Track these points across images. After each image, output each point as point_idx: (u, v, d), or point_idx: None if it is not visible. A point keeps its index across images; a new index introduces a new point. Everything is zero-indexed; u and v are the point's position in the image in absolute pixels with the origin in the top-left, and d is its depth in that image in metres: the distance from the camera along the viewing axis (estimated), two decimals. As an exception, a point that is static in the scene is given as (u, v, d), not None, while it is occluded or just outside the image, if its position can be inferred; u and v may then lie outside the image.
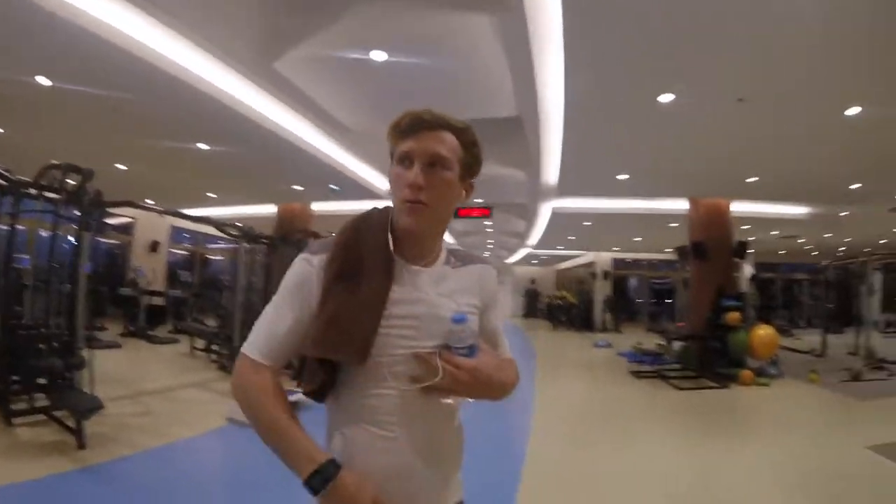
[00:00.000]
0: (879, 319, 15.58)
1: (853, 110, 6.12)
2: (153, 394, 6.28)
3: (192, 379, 7.29)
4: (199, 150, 8.17)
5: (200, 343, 9.46)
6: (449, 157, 1.14)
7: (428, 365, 1.08)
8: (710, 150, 7.79)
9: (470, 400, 1.17)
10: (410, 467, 1.10)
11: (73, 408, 4.39)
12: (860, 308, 12.93)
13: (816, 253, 22.26)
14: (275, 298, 1.17)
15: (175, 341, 10.74)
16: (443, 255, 1.24)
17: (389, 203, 1.25)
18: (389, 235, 1.16)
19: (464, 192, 1.24)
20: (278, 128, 7.16)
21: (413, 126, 1.14)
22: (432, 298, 1.15)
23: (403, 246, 1.17)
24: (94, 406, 4.35)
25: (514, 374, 1.26)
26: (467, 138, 1.19)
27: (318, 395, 1.16)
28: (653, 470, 4.76)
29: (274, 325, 1.14)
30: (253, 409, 1.11)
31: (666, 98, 5.83)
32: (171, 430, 4.90)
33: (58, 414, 4.66)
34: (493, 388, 1.13)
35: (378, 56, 5.63)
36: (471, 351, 1.10)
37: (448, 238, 5.64)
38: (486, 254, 25.68)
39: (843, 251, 21.54)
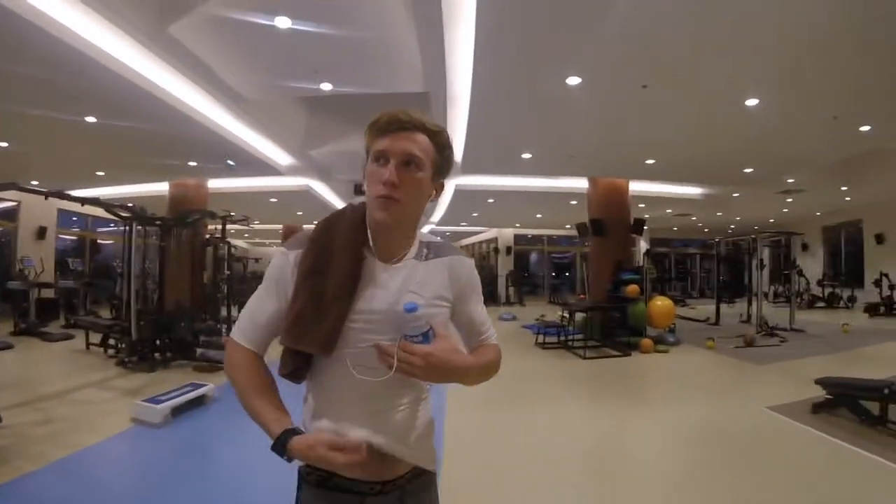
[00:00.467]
0: (768, 291, 16.82)
1: (752, 101, 6.57)
2: (52, 398, 5.82)
3: (91, 378, 6.81)
4: (87, 123, 7.54)
5: (96, 337, 8.87)
6: (422, 157, 1.19)
7: (384, 355, 1.14)
8: (613, 132, 8.10)
9: (430, 384, 1.29)
10: (377, 448, 1.19)
11: None
12: (751, 280, 13.85)
13: (707, 230, 23.64)
14: (259, 288, 1.27)
15: (70, 337, 9.97)
16: (414, 249, 1.29)
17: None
18: (368, 231, 1.25)
19: (434, 191, 1.29)
20: (171, 98, 6.72)
21: (390, 125, 1.18)
22: (395, 294, 1.20)
23: (376, 240, 1.24)
24: None
25: (491, 358, 1.35)
26: (440, 141, 1.25)
27: (292, 377, 1.23)
28: (564, 434, 4.92)
29: (256, 314, 1.25)
30: (236, 386, 1.23)
31: (573, 81, 5.96)
32: (75, 438, 4.52)
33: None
34: (452, 371, 1.17)
35: (282, 22, 5.35)
36: (425, 338, 1.15)
37: None
38: None
39: (733, 228, 22.96)
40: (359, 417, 1.19)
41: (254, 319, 1.25)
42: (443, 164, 1.27)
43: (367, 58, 6.17)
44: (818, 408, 5.20)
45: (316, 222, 1.33)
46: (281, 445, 1.12)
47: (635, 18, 4.61)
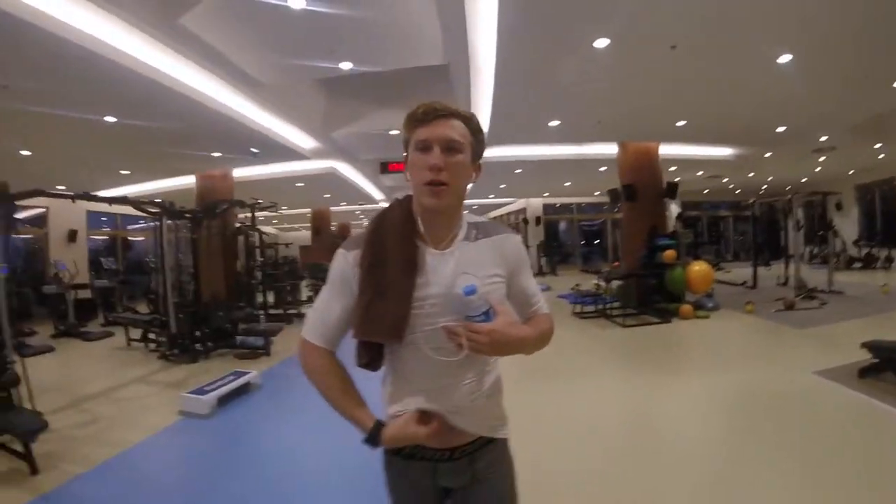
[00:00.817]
0: (803, 252, 16.43)
1: (784, 58, 6.29)
2: (96, 397, 5.84)
3: (133, 374, 6.86)
4: (107, 123, 7.55)
5: (136, 333, 8.94)
6: (462, 141, 1.28)
7: (452, 335, 1.23)
8: (643, 95, 7.82)
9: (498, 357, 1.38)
10: (452, 419, 1.34)
11: (16, 431, 3.94)
12: (787, 241, 13.52)
13: (738, 192, 23.12)
14: (324, 290, 1.37)
15: (110, 335, 10.10)
16: (463, 231, 1.37)
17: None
18: (418, 221, 1.33)
19: (474, 173, 1.37)
20: (189, 90, 6.66)
21: (427, 115, 1.26)
22: (450, 278, 1.28)
23: (426, 228, 1.32)
24: (39, 426, 3.95)
25: (545, 327, 1.46)
26: (474, 125, 1.33)
27: (369, 367, 1.38)
28: (609, 404, 4.86)
29: (326, 314, 1.35)
30: (320, 388, 1.37)
31: (601, 43, 5.74)
32: (122, 437, 4.52)
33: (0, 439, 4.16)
34: (513, 344, 1.26)
35: (296, 2, 5.23)
36: (486, 316, 1.24)
37: (379, 195, 5.47)
38: None
39: (764, 189, 22.44)
40: (430, 393, 1.32)
41: (324, 319, 1.35)
42: (478, 147, 1.35)
43: (385, 33, 6.02)
44: (865, 372, 5.03)
45: (368, 221, 1.44)
46: (373, 437, 1.29)
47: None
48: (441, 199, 1.26)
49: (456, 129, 1.28)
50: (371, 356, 1.36)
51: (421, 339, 1.28)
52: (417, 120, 1.28)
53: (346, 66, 6.73)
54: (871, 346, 5.06)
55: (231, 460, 3.99)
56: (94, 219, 15.71)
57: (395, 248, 1.30)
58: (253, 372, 5.88)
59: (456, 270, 1.28)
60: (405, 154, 1.33)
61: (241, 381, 5.61)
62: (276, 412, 5.14)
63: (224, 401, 5.21)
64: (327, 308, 1.35)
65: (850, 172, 18.48)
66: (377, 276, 1.28)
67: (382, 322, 1.26)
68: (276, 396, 5.66)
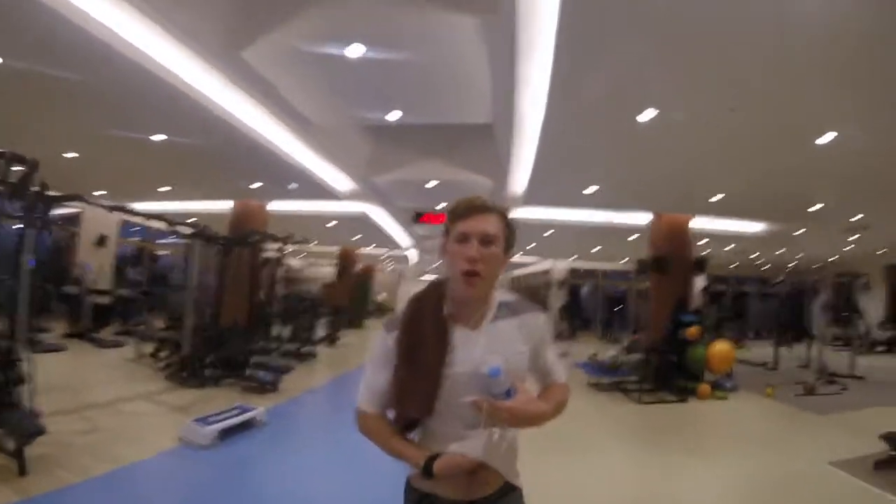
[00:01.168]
0: (827, 333, 16.08)
1: (828, 136, 6.23)
2: (99, 407, 5.84)
3: (139, 390, 6.84)
4: (155, 140, 7.70)
5: (148, 347, 8.97)
6: (497, 234, 1.44)
7: (479, 410, 1.36)
8: (684, 167, 7.82)
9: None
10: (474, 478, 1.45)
11: (12, 431, 3.94)
12: (810, 322, 13.25)
13: (766, 268, 22.83)
14: (369, 366, 1.56)
15: (121, 344, 10.16)
16: (493, 310, 1.51)
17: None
18: (450, 302, 1.49)
19: (504, 261, 1.50)
20: (239, 121, 6.80)
21: (469, 210, 1.44)
22: (479, 357, 1.39)
23: (459, 309, 1.48)
24: (35, 430, 3.95)
25: (560, 399, 1.60)
26: (507, 220, 1.50)
27: (406, 430, 1.52)
28: (616, 485, 4.74)
29: (374, 385, 1.52)
30: (378, 440, 1.52)
31: (646, 116, 5.75)
32: (120, 452, 4.49)
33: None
34: (530, 418, 1.40)
35: (354, 51, 5.35)
36: (508, 395, 1.35)
37: (408, 240, 5.48)
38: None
39: (791, 266, 22.16)
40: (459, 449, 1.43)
41: (374, 390, 1.52)
42: (511, 239, 1.51)
43: (437, 87, 6.16)
44: (881, 465, 4.88)
45: (407, 302, 1.58)
46: (429, 467, 1.39)
47: (716, 45, 4.41)
48: (476, 288, 1.42)
49: (492, 224, 1.43)
50: (405, 423, 1.51)
51: (448, 410, 1.42)
52: (459, 215, 1.44)
53: (394, 116, 6.83)
54: (889, 438, 4.96)
55: (225, 497, 3.91)
56: (126, 227, 15.83)
57: (429, 329, 1.45)
58: (259, 408, 5.78)
59: (485, 349, 1.41)
60: (444, 241, 1.50)
61: (247, 416, 5.52)
62: (278, 452, 5.04)
63: (226, 434, 5.12)
64: (375, 381, 1.51)
65: (880, 252, 18.12)
66: (411, 357, 1.43)
67: (413, 400, 1.42)
68: (280, 436, 5.57)
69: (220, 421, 5.15)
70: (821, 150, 6.65)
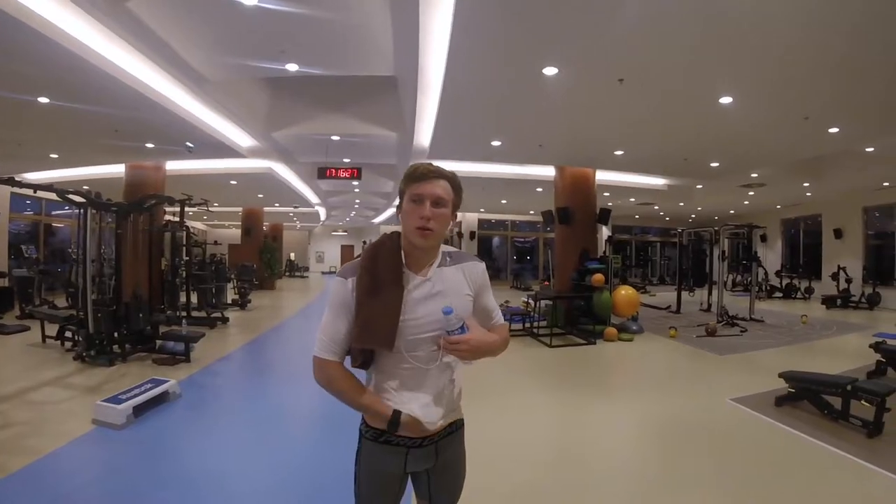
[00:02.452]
0: (727, 280, 17.15)
1: (725, 100, 6.63)
2: (8, 399, 5.48)
3: (47, 375, 6.46)
4: (40, 104, 7.13)
5: (53, 329, 8.41)
6: (447, 198, 1.65)
7: (438, 347, 1.64)
8: (586, 124, 8.07)
9: (471, 362, 1.69)
10: (425, 411, 1.67)
11: None
12: (711, 269, 14.08)
13: (668, 219, 23.98)
14: (326, 314, 1.68)
15: (25, 329, 9.50)
16: (439, 259, 1.73)
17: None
18: (402, 253, 1.68)
19: (452, 220, 1.71)
20: (128, 76, 6.37)
21: (424, 175, 1.62)
22: (431, 298, 1.65)
23: (412, 259, 1.68)
24: None
25: (505, 335, 1.87)
26: (456, 184, 1.70)
27: (363, 367, 1.72)
28: (530, 424, 4.98)
29: (332, 333, 1.66)
30: (338, 393, 1.67)
31: (550, 71, 5.87)
32: (33, 444, 4.25)
33: None
34: (487, 349, 1.70)
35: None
36: (462, 330, 1.60)
37: (314, 198, 5.41)
38: (353, 213, 27.08)
39: (693, 218, 23.34)
40: (411, 389, 1.67)
41: (333, 338, 1.66)
42: (457, 201, 1.72)
43: (336, 39, 5.95)
44: (781, 400, 5.33)
45: (363, 250, 1.78)
46: (395, 422, 1.63)
47: (616, 12, 4.54)
48: (428, 240, 1.62)
49: (443, 188, 1.64)
50: (364, 359, 1.68)
51: (404, 347, 1.62)
52: (414, 179, 1.63)
53: (292, 67, 6.62)
54: (788, 377, 5.36)
55: (146, 475, 3.79)
56: (18, 201, 14.74)
57: (386, 274, 1.63)
58: (171, 381, 5.62)
59: (438, 290, 1.66)
60: (399, 202, 1.70)
61: (159, 389, 5.34)
62: (195, 425, 4.94)
63: (140, 410, 4.96)
64: (333, 328, 1.66)
65: (778, 206, 19.61)
66: (373, 297, 1.60)
67: (378, 333, 1.59)
68: (196, 407, 5.44)
69: (132, 398, 4.96)
70: (718, 113, 7.08)
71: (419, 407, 1.66)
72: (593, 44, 5.20)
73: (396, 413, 1.64)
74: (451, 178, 1.70)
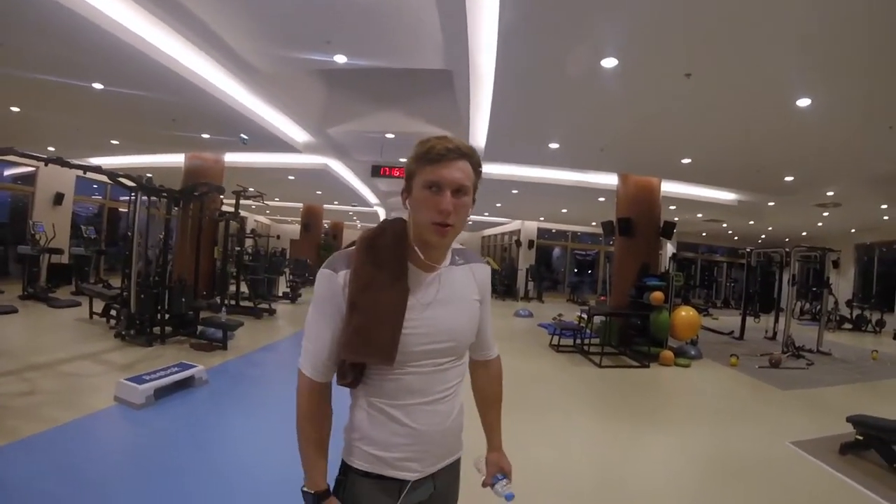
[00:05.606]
0: (794, 307, 16.16)
1: (803, 102, 6.01)
2: (41, 368, 5.64)
3: (85, 349, 6.64)
4: (94, 90, 7.33)
5: (101, 306, 8.74)
6: (468, 184, 1.31)
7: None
8: (649, 125, 7.54)
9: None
10: (423, 434, 1.36)
11: None
12: (779, 295, 13.24)
13: (737, 238, 22.97)
14: (310, 315, 1.36)
15: (76, 304, 10.00)
16: (449, 256, 1.44)
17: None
18: (414, 248, 1.35)
19: (473, 206, 1.39)
20: (179, 66, 6.48)
21: (441, 156, 1.28)
22: (439, 303, 1.36)
23: (419, 255, 1.34)
24: None
25: (500, 374, 1.73)
26: (475, 162, 1.35)
27: (351, 385, 1.39)
28: (570, 450, 4.56)
29: (317, 345, 1.34)
30: (299, 429, 1.39)
31: (609, 63, 5.43)
32: (54, 414, 4.30)
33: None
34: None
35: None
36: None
37: (373, 198, 5.22)
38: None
39: (763, 238, 22.29)
40: (408, 411, 1.34)
41: (315, 351, 1.35)
42: (478, 183, 1.38)
43: (383, 27, 5.79)
44: (847, 448, 4.66)
45: (356, 239, 1.41)
46: (316, 499, 1.34)
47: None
48: (446, 238, 1.31)
49: (464, 172, 1.30)
50: (354, 375, 1.37)
51: (406, 359, 1.31)
52: (430, 159, 1.29)
53: (340, 58, 6.48)
54: (856, 421, 4.70)
55: (152, 460, 3.70)
56: (84, 185, 15.41)
57: (388, 270, 1.32)
58: (199, 366, 5.57)
59: (448, 292, 1.38)
60: (408, 184, 1.35)
61: (185, 374, 5.31)
62: (213, 415, 4.82)
63: (162, 393, 4.92)
64: (316, 338, 1.35)
65: (852, 231, 18.32)
66: (370, 296, 1.29)
67: (374, 344, 1.28)
68: (219, 396, 5.34)
69: (155, 379, 4.94)
70: (795, 117, 6.47)
71: (413, 452, 1.36)
72: (656, 32, 4.75)
73: (323, 493, 1.35)
74: (472, 155, 1.35)
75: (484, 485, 1.55)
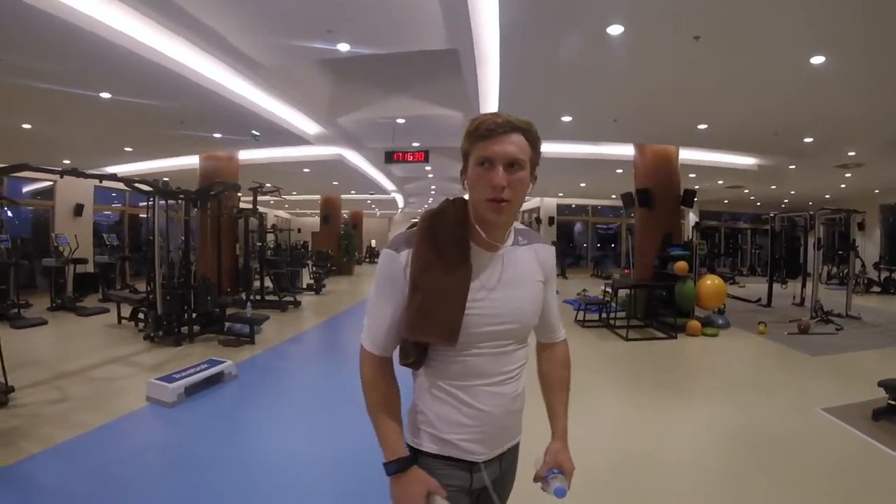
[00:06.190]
0: (821, 271, 15.86)
1: (817, 59, 5.78)
2: (72, 375, 5.74)
3: (115, 353, 6.76)
4: (102, 99, 7.36)
5: (128, 311, 8.89)
6: (523, 158, 1.26)
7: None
8: (661, 92, 7.34)
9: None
10: (488, 416, 1.34)
11: None
12: (805, 259, 12.98)
13: (759, 204, 22.59)
14: (372, 294, 1.37)
15: (104, 311, 10.11)
16: (512, 236, 1.40)
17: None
18: (476, 226, 1.32)
19: (532, 183, 1.35)
20: (183, 68, 6.48)
21: (490, 132, 1.24)
22: (505, 283, 1.33)
23: (481, 234, 1.31)
24: None
25: (568, 359, 1.69)
26: (532, 136, 1.30)
27: (413, 366, 1.39)
28: (598, 425, 4.51)
29: (377, 321, 1.35)
30: (366, 399, 1.38)
31: (615, 30, 5.27)
32: (86, 419, 4.37)
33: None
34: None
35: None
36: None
37: (389, 185, 5.19)
38: (430, 199, 26.61)
39: (786, 203, 21.90)
40: (473, 392, 1.33)
41: (377, 326, 1.35)
42: (536, 158, 1.33)
43: (384, 12, 5.69)
44: (879, 414, 4.53)
45: (418, 220, 1.39)
46: (398, 467, 1.29)
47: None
48: (503, 214, 1.27)
49: (517, 145, 1.25)
50: (417, 355, 1.36)
51: (469, 340, 1.29)
52: (480, 136, 1.25)
53: (344, 46, 6.42)
54: (888, 386, 4.55)
55: (185, 456, 3.75)
56: (103, 194, 15.63)
57: (450, 249, 1.30)
58: (228, 361, 5.64)
59: (512, 272, 1.35)
60: (464, 164, 1.33)
61: (214, 370, 5.39)
62: (242, 406, 4.90)
63: (193, 390, 5.00)
64: (378, 314, 1.36)
65: (876, 191, 17.88)
66: (432, 276, 1.27)
67: (436, 323, 1.26)
68: (250, 390, 5.41)
69: (186, 377, 5.01)
70: (810, 75, 6.24)
71: (479, 433, 1.34)
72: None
73: (406, 460, 1.31)
74: (527, 128, 1.30)
75: (536, 478, 1.45)
